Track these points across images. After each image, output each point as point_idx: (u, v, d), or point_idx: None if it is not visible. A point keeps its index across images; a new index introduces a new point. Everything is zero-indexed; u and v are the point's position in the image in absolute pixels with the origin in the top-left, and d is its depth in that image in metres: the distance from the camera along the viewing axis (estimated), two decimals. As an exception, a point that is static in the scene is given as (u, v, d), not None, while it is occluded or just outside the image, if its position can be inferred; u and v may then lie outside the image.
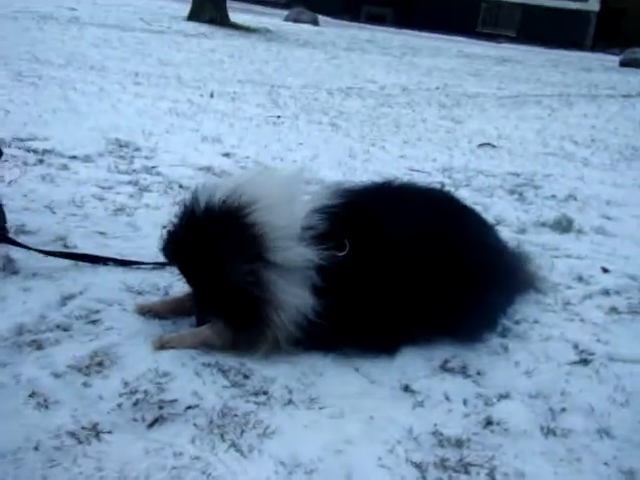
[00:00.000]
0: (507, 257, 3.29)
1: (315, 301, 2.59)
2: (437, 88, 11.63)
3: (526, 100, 11.24)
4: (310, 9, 26.00)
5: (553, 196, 5.47)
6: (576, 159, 7.01)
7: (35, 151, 4.91)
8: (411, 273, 2.77)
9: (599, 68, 20.21)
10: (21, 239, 3.37)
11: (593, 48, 30.78)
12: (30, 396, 2.29)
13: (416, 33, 27.48)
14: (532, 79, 14.97)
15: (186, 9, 19.48)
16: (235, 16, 19.86)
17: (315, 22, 24.87)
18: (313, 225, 2.60)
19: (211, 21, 18.39)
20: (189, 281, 2.75)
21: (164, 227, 2.80)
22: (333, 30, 23.25)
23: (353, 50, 17.41)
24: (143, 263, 3.30)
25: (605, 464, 2.30)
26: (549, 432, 2.43)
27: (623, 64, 21.46)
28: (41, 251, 3.23)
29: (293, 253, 2.55)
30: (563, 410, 2.56)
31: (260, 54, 13.71)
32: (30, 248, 3.22)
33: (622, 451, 2.37)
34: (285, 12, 26.08)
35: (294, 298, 2.58)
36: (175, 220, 2.74)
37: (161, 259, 3.09)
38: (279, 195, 2.64)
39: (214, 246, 2.53)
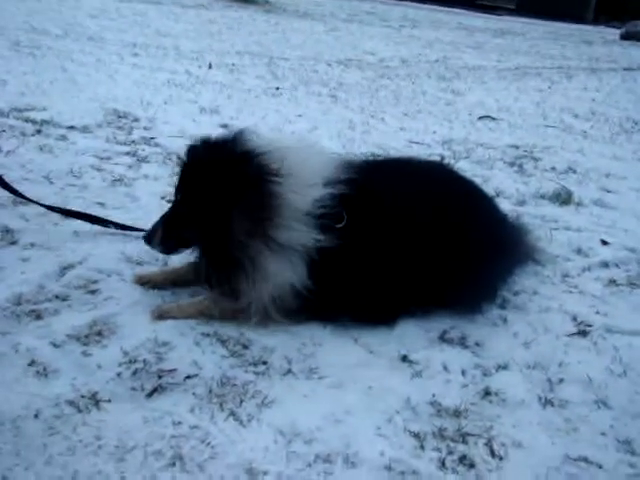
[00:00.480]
0: (506, 229, 3.28)
1: (310, 276, 2.59)
2: (437, 60, 11.56)
3: (526, 72, 11.18)
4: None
5: (553, 168, 5.45)
6: (576, 132, 6.99)
7: (33, 121, 4.89)
8: (410, 245, 2.76)
9: (600, 41, 20.10)
10: (19, 209, 3.37)
11: (594, 21, 30.55)
12: (29, 365, 2.30)
13: (416, 5, 27.26)
14: (532, 52, 14.88)
15: (184, -20, 19.32)
16: (234, -13, 19.70)
17: (314, -7, 24.65)
18: (321, 205, 2.58)
19: (209, -8, 18.23)
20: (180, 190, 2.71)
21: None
22: (332, 1, 23.06)
23: (352, 22, 17.28)
24: (142, 230, 3.28)
25: (602, 434, 2.31)
26: (547, 402, 2.44)
27: (624, 37, 21.34)
28: (40, 204, 3.24)
29: (296, 234, 2.55)
30: (561, 381, 2.58)
31: (259, 25, 13.61)
32: (30, 199, 3.23)
33: (619, 421, 2.38)
34: (284, -17, 25.88)
35: (287, 275, 2.59)
36: (205, 143, 2.70)
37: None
38: (304, 173, 2.62)
39: (232, 192, 2.51)
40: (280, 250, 2.55)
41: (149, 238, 2.77)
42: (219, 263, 2.63)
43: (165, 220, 2.76)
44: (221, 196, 2.52)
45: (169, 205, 2.84)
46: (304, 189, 2.57)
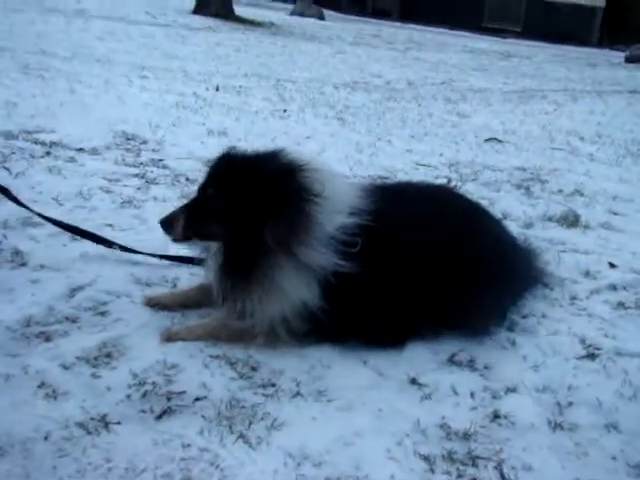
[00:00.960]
0: (515, 251, 3.28)
1: (322, 297, 2.60)
2: (443, 83, 11.61)
3: (532, 95, 11.22)
4: (316, 3, 25.96)
5: (560, 191, 5.46)
6: (582, 154, 7.00)
7: (42, 143, 4.92)
8: (419, 268, 2.77)
9: (605, 64, 20.16)
10: (28, 231, 3.39)
11: (599, 44, 30.68)
12: (39, 387, 2.30)
13: (422, 28, 27.40)
14: (538, 74, 14.94)
15: (192, 2, 19.45)
16: (240, 10, 19.85)
17: (321, 16, 24.82)
18: (344, 232, 2.60)
19: (217, 15, 18.36)
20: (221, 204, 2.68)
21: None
22: (339, 24, 23.22)
23: (359, 44, 17.39)
24: (148, 254, 3.29)
25: (613, 458, 2.30)
26: (556, 426, 2.43)
27: (629, 60, 21.40)
28: (49, 219, 3.27)
29: (317, 256, 2.57)
30: (570, 404, 2.56)
31: (266, 48, 13.69)
32: (39, 214, 3.27)
33: (630, 445, 2.37)
34: (291, 6, 26.06)
35: (301, 294, 2.60)
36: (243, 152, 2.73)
37: (169, 252, 3.11)
38: (336, 199, 2.65)
39: (274, 200, 2.54)
40: (299, 268, 2.57)
41: (167, 223, 2.77)
42: (237, 265, 2.62)
43: (189, 209, 2.76)
44: (261, 201, 2.54)
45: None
46: (333, 214, 2.60)
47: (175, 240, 2.83)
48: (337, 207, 2.63)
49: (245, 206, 2.57)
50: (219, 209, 2.66)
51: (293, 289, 2.60)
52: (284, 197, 2.54)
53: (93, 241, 3.28)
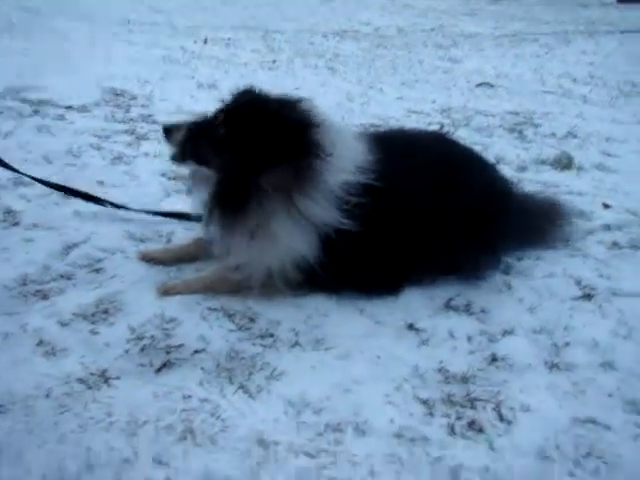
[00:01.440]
0: (510, 196, 3.26)
1: (320, 249, 2.60)
2: (433, 29, 11.48)
3: (523, 39, 11.10)
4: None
5: (552, 134, 5.44)
6: (574, 96, 6.95)
7: (30, 102, 4.87)
8: (415, 216, 2.77)
9: (596, 4, 19.95)
10: (20, 190, 3.37)
11: (590, -16, 30.27)
12: (38, 345, 2.31)
13: (410, -26, 27.00)
14: (528, 17, 14.78)
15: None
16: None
17: (308, -36, 24.42)
18: (347, 190, 2.59)
19: (202, -34, 18.04)
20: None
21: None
22: (326, -27, 22.87)
23: (347, -8, 17.14)
24: (141, 210, 3.28)
25: (609, 395, 2.32)
26: (553, 366, 2.45)
27: (621, 0, 21.15)
28: (38, 180, 3.26)
29: (318, 210, 2.56)
30: (567, 344, 2.58)
31: (253, -1, 13.50)
32: (27, 175, 3.26)
33: (626, 382, 2.39)
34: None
35: (297, 245, 2.60)
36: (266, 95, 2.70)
37: (162, 208, 3.10)
38: (343, 157, 2.64)
39: (280, 144, 2.52)
40: (298, 220, 2.57)
41: (170, 130, 2.75)
42: (228, 203, 2.60)
43: (195, 125, 2.73)
44: (268, 144, 2.51)
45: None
46: (339, 171, 2.59)
47: (172, 157, 2.80)
48: (343, 165, 2.62)
49: (250, 143, 2.54)
50: (223, 137, 2.63)
51: (290, 240, 2.59)
52: (292, 146, 2.52)
53: (85, 199, 3.25)
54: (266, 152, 2.51)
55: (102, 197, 3.29)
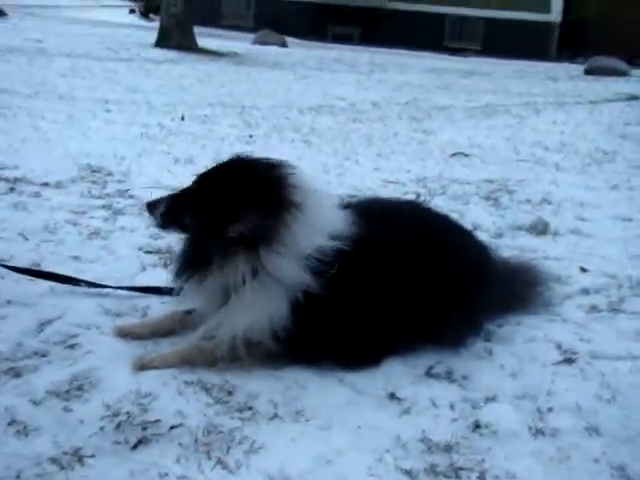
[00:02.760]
0: (489, 262, 3.27)
1: (292, 315, 2.57)
2: (407, 102, 11.69)
3: (495, 110, 11.33)
4: (277, 31, 26.08)
5: (527, 200, 5.50)
6: (548, 164, 7.06)
7: (6, 180, 4.86)
8: (393, 285, 2.76)
9: (564, 77, 20.45)
10: (-6, 267, 3.32)
11: (558, 58, 31.14)
12: (9, 424, 2.25)
13: (383, 50, 27.61)
14: (499, 90, 15.10)
15: (153, 36, 19.48)
16: (203, 41, 19.87)
17: (283, 44, 24.95)
18: (321, 254, 2.58)
19: (179, 47, 18.37)
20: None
21: None
22: (301, 51, 23.35)
23: (322, 69, 17.48)
24: (117, 287, 3.25)
25: (595, 461, 2.30)
26: (538, 432, 2.42)
27: (588, 72, 21.73)
28: (10, 267, 3.20)
29: (289, 271, 2.55)
30: (550, 410, 2.56)
31: (230, 77, 13.71)
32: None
33: (611, 447, 2.37)
34: (252, 35, 26.15)
35: (266, 307, 2.58)
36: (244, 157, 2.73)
37: (140, 282, 3.08)
38: (319, 219, 2.65)
39: (248, 196, 2.54)
40: (265, 279, 2.55)
41: (151, 205, 2.83)
42: (196, 254, 2.65)
43: (173, 198, 2.82)
44: (235, 194, 2.54)
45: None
46: (313, 234, 2.59)
47: (157, 225, 2.88)
48: (317, 228, 2.62)
49: (217, 197, 2.58)
50: (194, 202, 2.68)
51: (259, 303, 2.57)
52: (261, 199, 2.53)
53: (59, 282, 3.21)
54: (233, 205, 2.52)
55: (76, 277, 3.25)
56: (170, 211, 2.76)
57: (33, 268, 3.33)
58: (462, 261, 2.99)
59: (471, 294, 2.94)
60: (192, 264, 2.65)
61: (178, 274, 2.72)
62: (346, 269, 2.61)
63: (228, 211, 2.53)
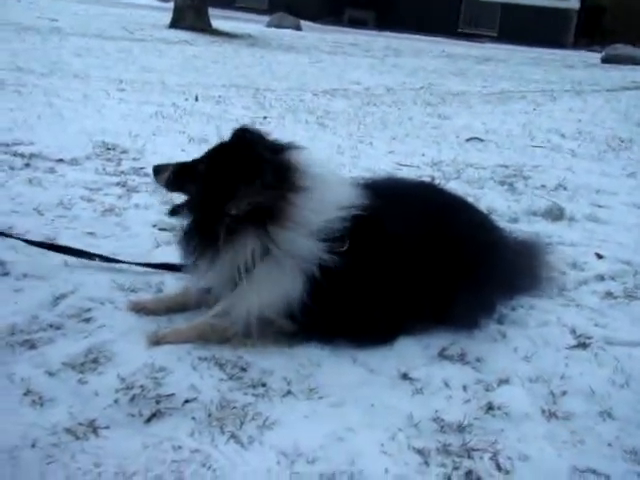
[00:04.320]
0: (504, 244, 3.26)
1: (307, 293, 2.57)
2: (421, 87, 11.63)
3: (510, 96, 11.27)
4: (292, 14, 26.00)
5: (543, 186, 5.47)
6: (563, 151, 7.02)
7: (21, 155, 4.87)
8: (407, 264, 2.76)
9: (581, 65, 20.31)
10: (9, 241, 3.33)
11: (574, 46, 30.92)
12: (25, 394, 2.26)
13: (398, 35, 27.51)
14: (515, 77, 15.01)
15: (168, 17, 19.45)
16: (217, 22, 19.84)
17: (297, 27, 24.88)
18: (331, 228, 2.58)
19: (193, 28, 18.34)
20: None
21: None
22: (316, 34, 23.28)
23: (336, 53, 17.42)
24: (131, 263, 3.25)
25: (609, 445, 2.29)
26: (551, 415, 2.42)
27: (605, 60, 21.59)
28: (24, 240, 3.22)
29: (299, 246, 2.55)
30: (564, 393, 2.56)
31: (244, 59, 13.68)
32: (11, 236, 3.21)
33: (624, 431, 2.36)
34: (267, 18, 26.08)
35: (283, 286, 2.58)
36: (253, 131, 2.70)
37: (152, 259, 3.08)
38: (326, 194, 2.64)
39: (252, 172, 2.52)
40: (276, 254, 2.54)
41: (157, 169, 2.82)
42: (202, 230, 2.63)
43: (181, 165, 2.79)
44: (240, 171, 2.54)
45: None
46: (321, 208, 2.59)
47: (164, 186, 2.86)
48: (327, 202, 2.62)
49: (223, 171, 2.57)
50: (202, 172, 2.67)
51: (272, 278, 2.57)
52: (267, 174, 2.52)
53: (73, 255, 3.22)
54: (238, 179, 2.52)
55: (91, 251, 3.26)
56: (175, 177, 2.75)
57: (47, 242, 3.32)
58: (476, 242, 2.98)
59: (485, 276, 2.92)
60: (198, 241, 2.64)
61: (187, 252, 2.71)
62: (359, 245, 2.61)
63: (227, 186, 2.53)
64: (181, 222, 2.85)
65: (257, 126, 2.80)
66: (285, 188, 2.54)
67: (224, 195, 2.53)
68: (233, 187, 2.52)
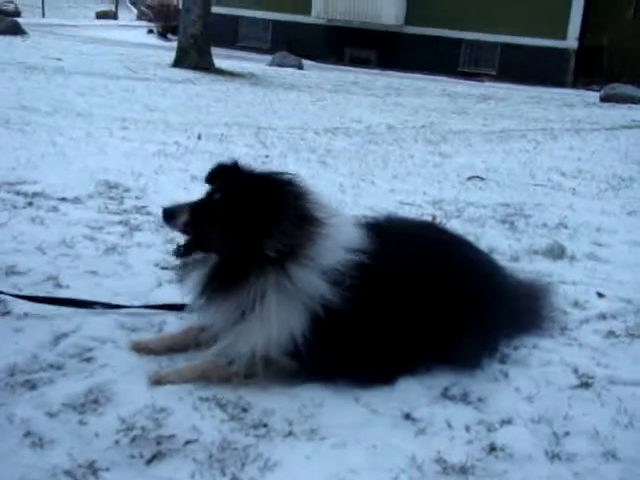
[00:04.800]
0: (506, 284, 3.26)
1: (310, 331, 2.56)
2: (423, 126, 11.69)
3: (511, 135, 11.33)
4: (294, 54, 26.22)
5: (544, 224, 5.47)
6: (564, 189, 7.03)
7: (24, 194, 4.88)
8: (409, 305, 2.76)
9: (580, 104, 20.42)
10: (12, 280, 3.35)
11: (573, 85, 31.13)
12: (25, 436, 2.26)
13: (399, 74, 27.69)
14: (515, 115, 15.09)
15: (171, 56, 19.63)
16: (220, 62, 20.01)
17: (299, 66, 25.06)
18: (340, 270, 2.60)
19: (196, 67, 18.49)
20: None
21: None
22: (318, 73, 23.45)
23: (338, 92, 17.53)
24: (131, 307, 3.24)
25: (613, 487, 2.27)
26: (554, 456, 2.40)
27: (603, 99, 21.69)
28: (24, 297, 3.17)
29: (310, 285, 2.57)
30: (567, 434, 2.54)
31: (246, 98, 13.77)
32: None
33: (629, 472, 2.35)
34: (269, 57, 26.31)
35: (287, 322, 2.58)
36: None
37: (152, 301, 3.09)
38: (339, 236, 2.66)
39: (280, 215, 2.54)
40: (289, 293, 2.55)
41: (169, 213, 2.72)
42: (229, 274, 2.61)
43: (194, 207, 2.71)
44: (266, 216, 2.53)
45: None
46: (335, 249, 2.61)
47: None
48: (339, 242, 2.64)
49: (248, 217, 2.56)
50: (223, 214, 2.63)
51: (279, 318, 2.57)
52: (292, 217, 2.54)
53: (73, 306, 3.17)
54: (266, 224, 2.52)
55: (90, 300, 3.21)
56: (193, 222, 2.68)
57: (48, 296, 3.23)
58: (477, 281, 2.99)
59: (487, 315, 2.92)
60: (220, 287, 2.63)
61: (197, 291, 2.71)
62: (365, 285, 2.62)
63: (259, 231, 2.53)
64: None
65: (260, 165, 2.82)
66: (308, 224, 2.58)
67: (255, 236, 2.54)
68: (264, 228, 2.53)
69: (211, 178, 2.83)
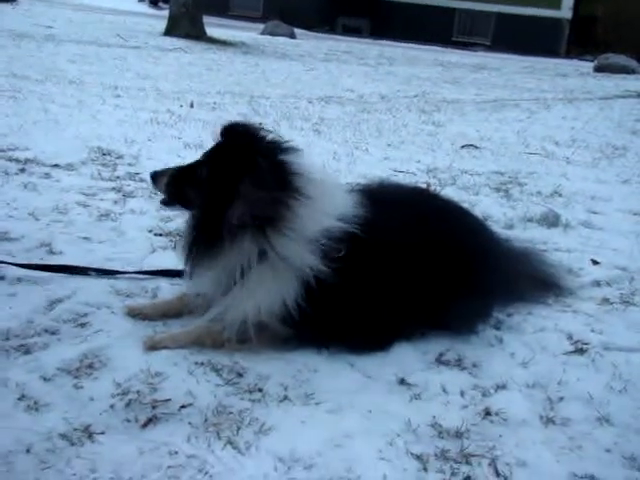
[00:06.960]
0: (500, 250, 3.26)
1: (303, 298, 2.56)
2: (416, 95, 11.65)
3: (504, 104, 11.29)
4: (286, 22, 26.03)
5: (538, 193, 5.48)
6: (558, 158, 7.03)
7: (17, 160, 4.85)
8: (403, 269, 2.74)
9: (574, 74, 20.37)
10: (5, 246, 3.33)
11: (567, 55, 31.04)
12: (19, 399, 2.25)
13: (392, 43, 27.55)
14: (509, 85, 15.05)
15: (162, 24, 19.45)
16: (211, 30, 19.84)
17: (292, 35, 24.90)
18: (328, 236, 2.57)
19: (188, 36, 18.34)
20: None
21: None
22: (310, 42, 23.31)
23: (330, 61, 17.44)
24: (126, 272, 3.23)
25: (607, 451, 2.28)
26: (548, 421, 2.41)
27: (597, 69, 21.66)
28: (17, 264, 3.15)
29: (296, 252, 2.53)
30: (561, 399, 2.55)
31: (238, 67, 13.68)
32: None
33: (623, 437, 2.35)
34: (261, 26, 26.10)
35: (280, 290, 2.57)
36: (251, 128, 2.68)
37: (146, 267, 3.07)
38: (324, 202, 2.62)
39: (253, 176, 2.49)
40: (273, 260, 2.53)
41: (156, 175, 2.77)
42: (204, 237, 2.59)
43: (179, 170, 2.76)
44: (238, 171, 2.50)
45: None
46: (321, 217, 2.58)
47: (162, 201, 2.84)
48: (325, 211, 2.60)
49: (224, 179, 2.53)
50: (204, 177, 2.63)
51: (268, 284, 2.57)
52: (267, 180, 2.50)
53: (67, 273, 3.15)
54: (238, 185, 2.49)
55: (84, 266, 3.20)
56: (175, 182, 2.72)
57: (41, 263, 3.21)
58: (472, 247, 2.98)
59: (481, 280, 2.92)
60: (199, 245, 2.62)
61: (186, 257, 2.70)
62: (355, 252, 2.60)
63: (231, 193, 2.50)
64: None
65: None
66: (286, 194, 2.52)
67: (226, 201, 2.51)
68: (234, 192, 2.50)
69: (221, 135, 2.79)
